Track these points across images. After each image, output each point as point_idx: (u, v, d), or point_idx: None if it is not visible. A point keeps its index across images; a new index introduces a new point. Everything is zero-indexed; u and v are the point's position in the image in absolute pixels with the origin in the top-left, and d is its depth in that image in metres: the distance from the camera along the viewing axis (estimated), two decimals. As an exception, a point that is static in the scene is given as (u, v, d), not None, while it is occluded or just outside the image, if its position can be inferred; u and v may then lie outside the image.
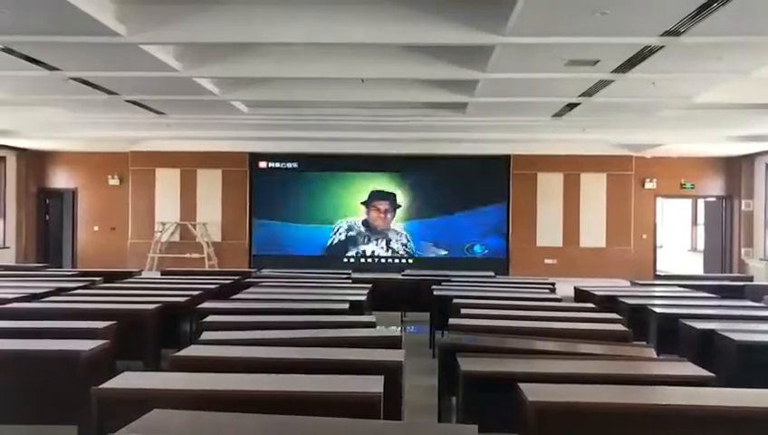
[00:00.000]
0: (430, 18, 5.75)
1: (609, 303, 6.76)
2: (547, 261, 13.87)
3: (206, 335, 4.27)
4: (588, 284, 8.75)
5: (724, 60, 6.31)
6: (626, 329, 4.88)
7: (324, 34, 5.96)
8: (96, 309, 5.68)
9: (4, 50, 6.36)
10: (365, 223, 14.46)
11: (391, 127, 11.20)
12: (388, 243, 14.51)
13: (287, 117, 10.45)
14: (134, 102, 9.17)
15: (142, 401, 2.72)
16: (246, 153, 14.24)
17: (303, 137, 12.54)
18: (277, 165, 14.50)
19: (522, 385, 3.03)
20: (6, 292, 6.67)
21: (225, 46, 6.84)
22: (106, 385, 3.03)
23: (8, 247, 13.98)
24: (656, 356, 4.19)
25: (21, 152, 14.25)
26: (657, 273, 14.15)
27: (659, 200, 14.98)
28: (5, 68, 7.06)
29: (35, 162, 14.70)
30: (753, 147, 12.81)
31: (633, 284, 9.33)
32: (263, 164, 14.49)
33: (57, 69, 7.13)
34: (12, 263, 12.88)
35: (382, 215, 14.53)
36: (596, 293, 7.40)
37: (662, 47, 5.92)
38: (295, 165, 14.48)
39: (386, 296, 7.99)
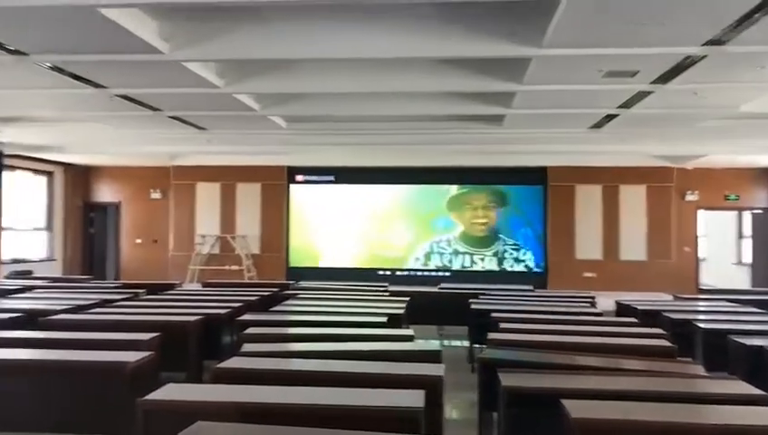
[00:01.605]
0: (467, 32, 5.75)
1: (651, 317, 6.63)
2: (586, 274, 13.67)
3: (246, 347, 4.32)
4: (629, 298, 8.59)
5: (770, 69, 6.17)
6: (671, 344, 4.78)
7: (362, 50, 6.00)
8: (140, 321, 5.80)
9: (52, 69, 6.57)
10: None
11: (426, 140, 11.20)
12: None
13: (324, 131, 10.54)
14: (176, 118, 9.36)
15: (187, 413, 2.76)
16: (284, 167, 14.42)
17: (340, 151, 12.63)
18: (314, 178, 14.64)
19: (565, 401, 2.99)
20: (54, 303, 6.85)
21: (265, 62, 6.96)
22: (151, 397, 3.08)
23: (55, 260, 14.37)
24: (704, 373, 4.08)
25: (67, 167, 14.68)
26: (701, 287, 13.82)
27: (703, 213, 14.65)
28: (54, 86, 7.29)
29: (81, 177, 15.12)
30: (800, 157, 12.46)
31: (676, 298, 9.13)
32: (300, 177, 14.66)
33: (103, 87, 7.34)
34: (58, 275, 13.23)
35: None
36: (638, 307, 7.26)
37: (704, 57, 5.81)
38: (332, 178, 14.60)
39: (423, 310, 7.97)
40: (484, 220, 14.23)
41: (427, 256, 14.33)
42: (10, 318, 5.85)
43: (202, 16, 5.77)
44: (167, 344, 4.91)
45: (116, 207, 15.36)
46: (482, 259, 14.18)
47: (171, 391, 3.22)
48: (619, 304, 7.91)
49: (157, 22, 5.72)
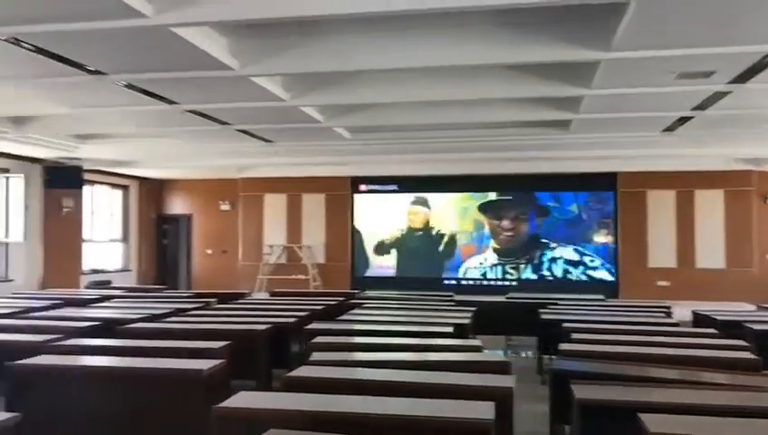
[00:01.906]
0: (532, 36, 5.67)
1: (733, 328, 6.31)
2: (660, 283, 13.18)
3: (315, 356, 4.36)
4: (707, 307, 8.24)
5: None
6: (755, 357, 4.54)
7: (426, 58, 6.00)
8: (211, 329, 5.95)
9: (127, 86, 6.86)
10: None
11: (491, 147, 11.10)
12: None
13: (387, 141, 10.60)
14: (244, 131, 9.61)
15: (259, 421, 2.81)
16: (348, 177, 14.57)
17: (403, 160, 12.65)
18: (377, 187, 14.73)
19: (642, 415, 2.89)
20: (130, 312, 7.12)
21: (330, 75, 7.05)
22: (225, 404, 3.15)
23: (130, 270, 14.96)
24: (791, 388, 3.85)
25: (142, 181, 15.28)
26: (786, 296, 13.10)
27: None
28: (129, 103, 7.61)
29: (155, 190, 15.71)
30: None
31: (760, 307, 8.69)
32: (363, 187, 14.77)
33: (175, 102, 7.61)
34: (133, 285, 13.76)
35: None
36: (717, 317, 6.94)
37: (786, 54, 5.54)
38: (395, 187, 14.65)
39: (490, 320, 7.86)
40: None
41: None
42: (90, 326, 6.11)
43: (269, 32, 5.91)
44: (237, 352, 5.01)
45: (187, 218, 15.86)
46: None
47: (244, 399, 3.28)
48: (696, 314, 7.60)
49: (226, 39, 5.89)
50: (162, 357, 4.55)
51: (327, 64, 6.15)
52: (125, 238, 15.02)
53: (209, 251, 15.52)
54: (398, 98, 7.65)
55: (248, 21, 5.14)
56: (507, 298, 9.49)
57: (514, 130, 9.87)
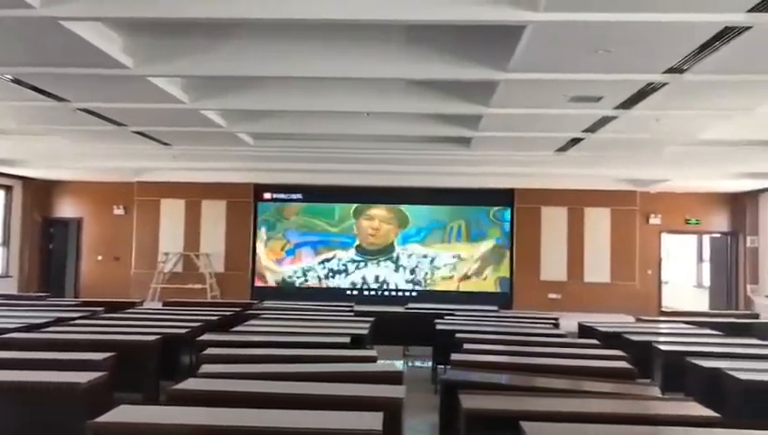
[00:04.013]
0: (434, 54, 5.80)
1: (613, 339, 6.70)
2: (551, 295, 13.78)
3: (204, 368, 4.23)
4: (592, 319, 8.68)
5: (728, 97, 6.34)
6: (630, 367, 4.82)
7: (330, 69, 6.02)
8: (95, 340, 5.66)
9: (13, 81, 6.43)
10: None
11: (395, 160, 11.24)
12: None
13: (292, 149, 10.51)
14: (140, 133, 9.24)
15: (138, 436, 2.68)
16: (251, 184, 14.30)
17: (308, 169, 12.58)
18: (281, 196, 14.55)
19: (523, 424, 2.99)
20: (5, 322, 6.65)
21: (232, 79, 6.92)
22: (102, 419, 2.99)
23: (11, 276, 13.97)
24: (661, 395, 4.12)
25: (27, 181, 14.33)
26: (663, 309, 14.03)
27: (665, 236, 14.92)
28: (14, 99, 7.14)
29: (41, 191, 14.77)
30: (757, 183, 12.79)
31: (638, 320, 9.25)
32: (267, 195, 14.56)
33: (65, 100, 7.21)
34: (13, 292, 12.85)
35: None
36: (600, 329, 7.33)
37: (665, 84, 5.95)
38: (299, 196, 14.53)
39: (388, 330, 7.93)
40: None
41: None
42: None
43: (168, 32, 5.72)
44: (123, 364, 4.78)
45: (77, 222, 15.03)
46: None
47: (124, 413, 3.13)
48: (581, 325, 7.98)
49: (122, 37, 5.65)
50: (39, 370, 4.27)
51: (227, 69, 6.03)
52: (6, 242, 14.03)
53: (100, 257, 14.77)
54: (302, 106, 7.61)
55: (140, 19, 4.95)
56: (406, 308, 9.61)
57: (419, 144, 10.06)
